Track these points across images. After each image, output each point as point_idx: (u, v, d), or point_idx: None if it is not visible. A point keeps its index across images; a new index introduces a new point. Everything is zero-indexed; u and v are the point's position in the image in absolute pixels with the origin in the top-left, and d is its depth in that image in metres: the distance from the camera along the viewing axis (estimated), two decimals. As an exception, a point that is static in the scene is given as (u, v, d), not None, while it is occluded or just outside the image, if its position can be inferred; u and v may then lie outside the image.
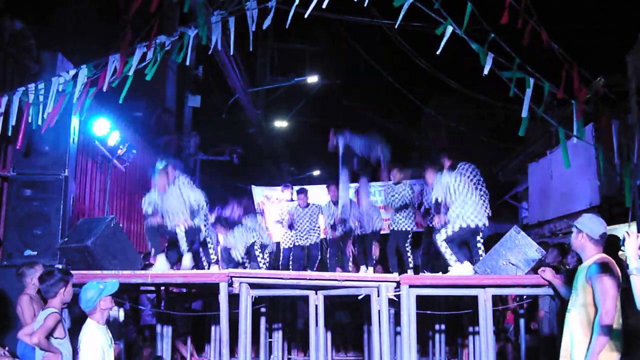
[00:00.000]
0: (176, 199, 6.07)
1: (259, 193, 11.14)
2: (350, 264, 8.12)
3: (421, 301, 5.28)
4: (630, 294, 3.06)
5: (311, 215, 8.15)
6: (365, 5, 4.82)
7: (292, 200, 8.56)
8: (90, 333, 3.87)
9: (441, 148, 7.88)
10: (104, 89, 4.92)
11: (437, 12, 4.75)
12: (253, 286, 5.28)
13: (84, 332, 3.90)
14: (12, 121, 4.97)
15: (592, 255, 3.72)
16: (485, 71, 4.76)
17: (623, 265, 4.58)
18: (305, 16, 4.68)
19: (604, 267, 3.55)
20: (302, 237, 8.15)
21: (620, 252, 5.48)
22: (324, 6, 4.66)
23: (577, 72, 4.93)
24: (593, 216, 3.89)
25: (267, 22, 4.90)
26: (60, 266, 5.68)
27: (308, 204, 8.20)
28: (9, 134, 5.17)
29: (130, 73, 4.91)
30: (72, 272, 5.12)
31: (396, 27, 4.91)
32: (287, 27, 4.83)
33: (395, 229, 7.58)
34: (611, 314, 3.42)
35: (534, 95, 4.89)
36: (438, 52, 4.75)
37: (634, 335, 3.74)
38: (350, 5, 4.66)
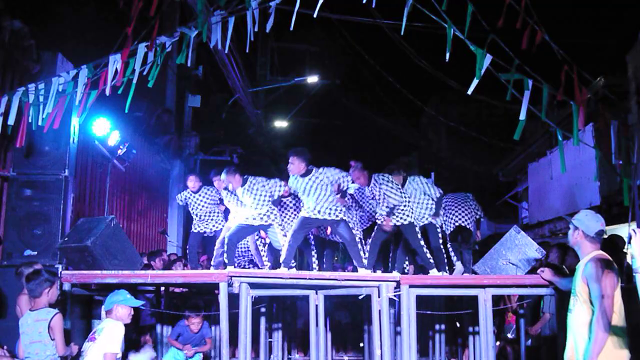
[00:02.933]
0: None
1: None
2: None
3: (421, 301, 5.28)
4: (632, 293, 3.06)
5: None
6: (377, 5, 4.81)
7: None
8: (112, 324, 4.11)
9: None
10: (107, 93, 4.92)
11: (436, 13, 4.75)
12: (253, 286, 5.28)
13: (105, 323, 4.14)
14: (11, 121, 4.97)
15: (588, 252, 3.70)
16: (479, 76, 4.75)
17: (623, 264, 4.60)
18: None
19: (599, 265, 3.53)
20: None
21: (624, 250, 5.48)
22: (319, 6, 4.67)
23: (577, 75, 4.92)
24: (590, 213, 3.87)
25: (270, 25, 4.90)
26: (60, 266, 5.70)
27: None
28: (9, 134, 5.18)
29: (134, 78, 4.91)
30: (73, 272, 5.16)
31: (402, 33, 4.89)
32: (291, 28, 4.83)
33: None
34: (608, 312, 3.40)
35: (533, 96, 4.88)
36: (447, 59, 4.74)
37: (635, 334, 3.74)
38: (350, 5, 4.66)
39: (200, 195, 7.49)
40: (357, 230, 7.15)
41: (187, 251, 7.85)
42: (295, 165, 6.15)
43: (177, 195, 7.85)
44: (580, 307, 3.61)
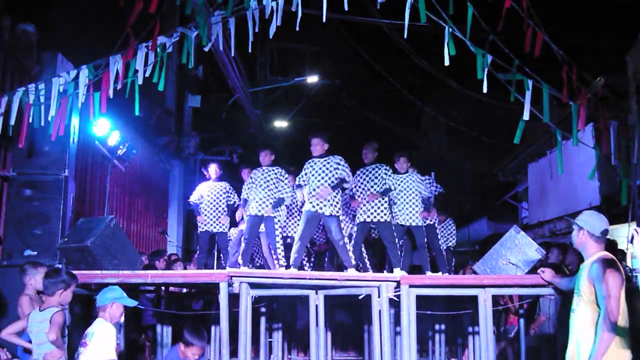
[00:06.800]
0: None
1: None
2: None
3: (421, 301, 5.28)
4: (632, 293, 3.05)
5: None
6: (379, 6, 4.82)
7: None
8: (103, 326, 4.04)
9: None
10: (110, 95, 4.93)
11: (437, 13, 4.75)
12: (253, 286, 5.28)
13: (95, 326, 4.05)
14: (12, 121, 4.97)
15: (593, 253, 3.69)
16: (483, 76, 4.75)
17: (623, 264, 4.59)
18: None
19: (606, 265, 3.52)
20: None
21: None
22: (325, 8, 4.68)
23: (577, 75, 4.93)
24: (594, 213, 3.87)
25: (273, 30, 4.91)
26: (60, 266, 5.69)
27: None
28: (10, 134, 5.18)
29: (139, 79, 4.91)
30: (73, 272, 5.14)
31: (405, 36, 4.92)
32: (297, 29, 4.85)
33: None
34: (615, 313, 3.40)
35: (534, 96, 4.88)
36: (447, 62, 4.76)
37: (636, 333, 3.74)
38: (350, 4, 4.66)
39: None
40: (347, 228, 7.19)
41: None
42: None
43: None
44: (584, 307, 3.61)
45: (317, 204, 6.08)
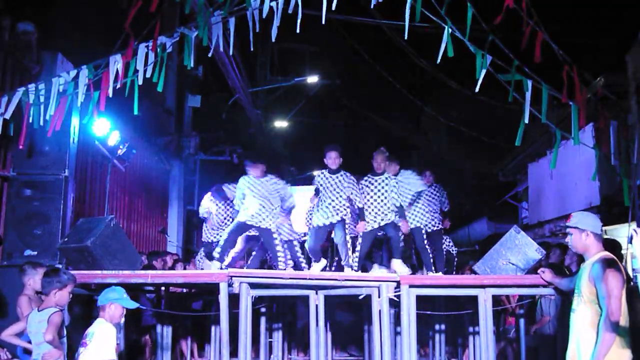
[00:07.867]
0: None
1: None
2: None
3: (421, 301, 5.28)
4: (632, 293, 3.05)
5: None
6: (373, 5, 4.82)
7: None
8: (103, 326, 4.02)
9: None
10: (110, 95, 4.93)
11: (437, 13, 4.75)
12: (253, 286, 5.28)
13: (95, 326, 4.04)
14: (7, 115, 4.96)
15: (595, 252, 3.69)
16: (480, 76, 4.75)
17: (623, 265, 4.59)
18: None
19: (606, 265, 3.52)
20: None
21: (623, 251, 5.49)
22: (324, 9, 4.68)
23: (577, 75, 4.92)
24: (586, 213, 3.90)
25: (274, 32, 4.91)
26: (60, 266, 5.69)
27: None
28: (10, 134, 5.17)
29: (139, 80, 4.91)
30: (73, 272, 5.14)
31: (405, 37, 4.94)
32: (297, 31, 4.85)
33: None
34: (616, 313, 3.40)
35: (533, 95, 4.88)
36: (438, 60, 4.77)
37: (636, 333, 3.74)
38: (350, 5, 4.67)
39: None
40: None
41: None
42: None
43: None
44: (585, 307, 3.61)
45: (330, 215, 6.21)
